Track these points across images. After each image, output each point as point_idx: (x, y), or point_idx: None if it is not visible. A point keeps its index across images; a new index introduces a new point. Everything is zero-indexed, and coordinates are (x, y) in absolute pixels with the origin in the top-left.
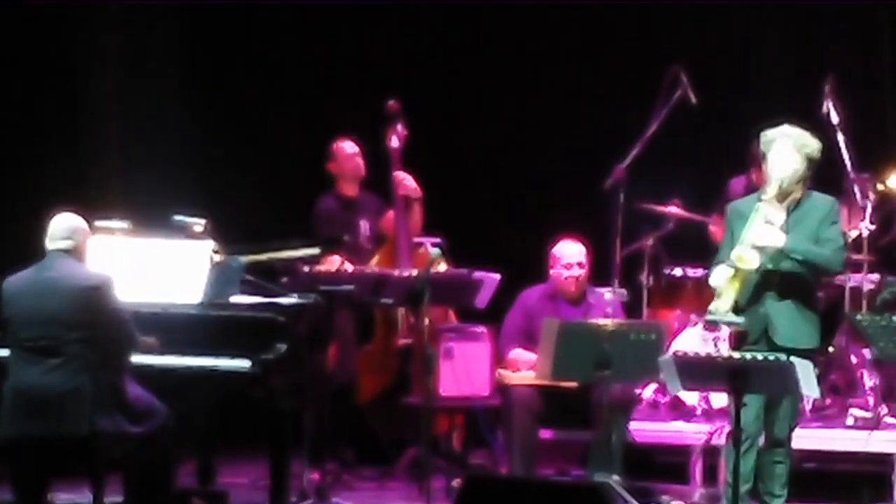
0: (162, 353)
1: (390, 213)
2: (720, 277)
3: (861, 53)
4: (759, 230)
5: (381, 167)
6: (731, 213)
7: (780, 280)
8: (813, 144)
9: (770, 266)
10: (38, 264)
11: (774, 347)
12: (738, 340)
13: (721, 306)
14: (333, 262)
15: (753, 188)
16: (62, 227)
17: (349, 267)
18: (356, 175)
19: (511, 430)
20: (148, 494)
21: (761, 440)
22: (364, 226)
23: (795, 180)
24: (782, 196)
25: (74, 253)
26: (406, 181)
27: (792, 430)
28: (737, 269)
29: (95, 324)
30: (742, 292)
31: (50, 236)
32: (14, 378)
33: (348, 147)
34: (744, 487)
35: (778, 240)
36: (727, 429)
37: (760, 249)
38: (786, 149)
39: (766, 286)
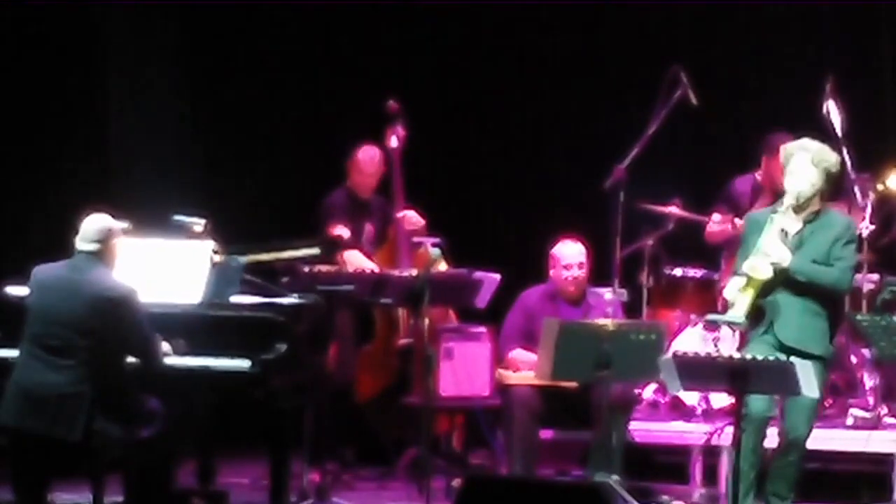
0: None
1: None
2: (733, 288)
3: (861, 53)
4: (771, 243)
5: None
6: (747, 224)
7: (793, 279)
8: (831, 159)
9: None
10: (68, 262)
11: (781, 346)
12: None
13: (735, 315)
14: (353, 258)
15: (759, 188)
16: (93, 228)
17: (366, 263)
18: (366, 188)
19: (511, 430)
20: (148, 494)
21: (766, 441)
22: (368, 228)
23: (812, 194)
24: (799, 209)
25: (103, 255)
26: (410, 219)
27: (809, 432)
28: (749, 279)
29: (108, 334)
30: (756, 301)
31: (81, 236)
32: (19, 371)
33: (371, 164)
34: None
35: (784, 259)
36: (729, 428)
37: (772, 263)
38: (804, 163)
39: (780, 282)
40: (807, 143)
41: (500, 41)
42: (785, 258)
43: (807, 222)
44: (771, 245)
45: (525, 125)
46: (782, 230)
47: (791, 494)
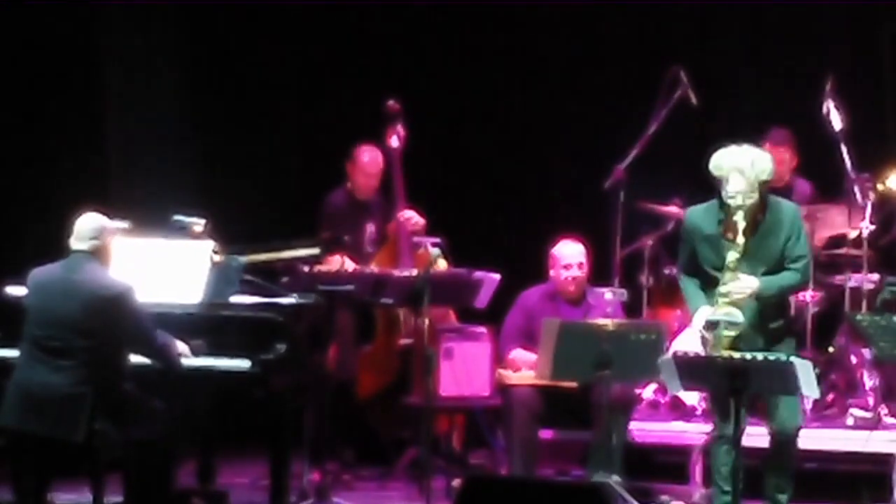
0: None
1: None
2: (706, 316)
3: (861, 53)
4: (737, 287)
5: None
6: (688, 224)
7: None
8: (766, 168)
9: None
10: (64, 263)
11: None
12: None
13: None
14: (335, 262)
15: None
16: (87, 227)
17: (350, 266)
18: (368, 189)
19: (511, 430)
20: (148, 494)
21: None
22: (370, 228)
23: (754, 206)
24: (746, 227)
25: (98, 254)
26: (410, 219)
27: (797, 431)
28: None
29: (107, 333)
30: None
31: (75, 236)
32: (20, 373)
33: (374, 165)
34: (725, 488)
35: (752, 285)
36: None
37: (739, 304)
38: (740, 184)
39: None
40: (740, 160)
41: (500, 41)
42: (752, 284)
43: (753, 234)
44: (737, 287)
45: (525, 125)
46: (736, 258)
47: (791, 484)
